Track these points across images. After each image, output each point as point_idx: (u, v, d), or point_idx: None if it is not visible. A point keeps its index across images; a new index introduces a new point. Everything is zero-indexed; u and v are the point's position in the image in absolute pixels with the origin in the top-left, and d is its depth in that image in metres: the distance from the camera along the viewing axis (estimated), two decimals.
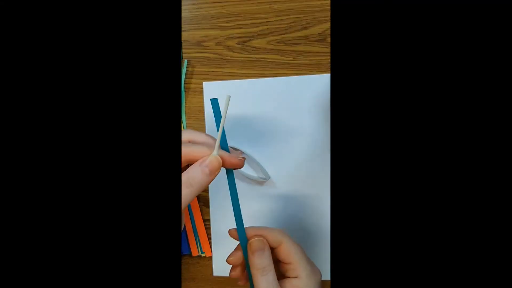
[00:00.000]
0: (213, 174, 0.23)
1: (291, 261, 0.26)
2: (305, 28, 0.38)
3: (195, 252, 0.40)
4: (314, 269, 0.28)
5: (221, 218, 0.40)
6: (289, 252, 0.27)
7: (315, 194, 0.38)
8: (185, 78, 0.40)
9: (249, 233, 0.27)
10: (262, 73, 0.38)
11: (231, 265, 0.29)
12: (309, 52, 0.38)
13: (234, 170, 0.26)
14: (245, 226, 0.27)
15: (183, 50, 0.40)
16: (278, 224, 0.39)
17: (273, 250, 0.27)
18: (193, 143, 0.26)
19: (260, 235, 0.26)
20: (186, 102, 0.40)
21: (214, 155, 0.23)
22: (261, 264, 0.25)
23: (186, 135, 0.26)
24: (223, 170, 0.25)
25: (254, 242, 0.26)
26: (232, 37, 0.39)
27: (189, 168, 0.24)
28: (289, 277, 0.27)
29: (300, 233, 0.39)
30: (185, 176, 0.23)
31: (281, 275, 0.28)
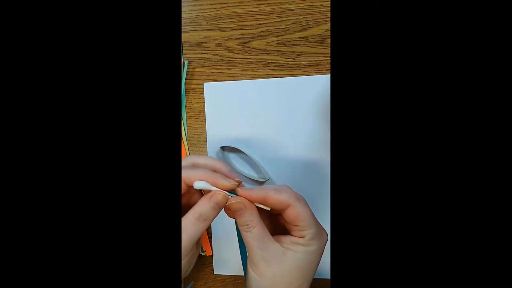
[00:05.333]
0: (220, 208, 0.27)
1: (298, 224, 0.27)
2: (305, 30, 0.38)
3: None
4: (320, 231, 0.28)
5: (222, 218, 0.40)
6: (296, 216, 0.27)
7: (315, 194, 0.38)
8: (185, 79, 0.40)
9: (254, 192, 0.28)
10: (262, 74, 0.39)
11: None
12: (308, 53, 0.38)
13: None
14: None
15: (184, 51, 0.40)
16: None
17: (282, 212, 0.28)
18: (195, 167, 0.28)
19: (263, 198, 0.27)
20: (187, 103, 0.40)
21: (222, 193, 0.27)
22: (244, 222, 0.27)
23: (189, 159, 0.29)
24: None
25: (232, 205, 0.27)
26: (232, 38, 0.39)
27: (199, 202, 0.27)
28: (293, 236, 0.28)
29: None
30: (197, 212, 0.26)
31: (287, 232, 0.29)
